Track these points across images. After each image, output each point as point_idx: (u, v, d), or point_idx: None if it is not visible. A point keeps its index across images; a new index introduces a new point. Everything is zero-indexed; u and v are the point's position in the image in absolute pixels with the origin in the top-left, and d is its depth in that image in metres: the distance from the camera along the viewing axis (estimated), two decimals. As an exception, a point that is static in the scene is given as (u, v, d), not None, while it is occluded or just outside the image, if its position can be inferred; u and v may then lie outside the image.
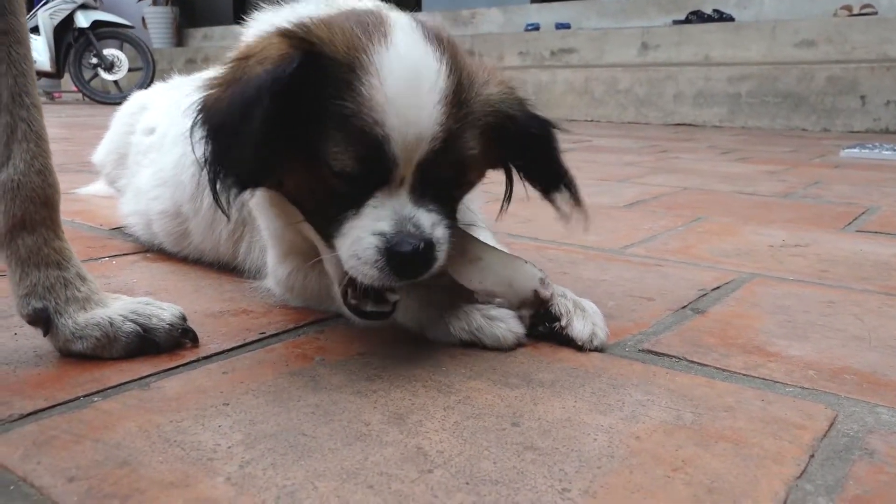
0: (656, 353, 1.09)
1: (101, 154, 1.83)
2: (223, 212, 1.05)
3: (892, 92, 5.55)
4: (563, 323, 1.10)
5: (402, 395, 0.93)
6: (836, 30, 6.04)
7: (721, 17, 6.93)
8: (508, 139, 1.07)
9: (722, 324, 1.23)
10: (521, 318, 1.11)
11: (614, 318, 1.22)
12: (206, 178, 0.99)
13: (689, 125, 6.39)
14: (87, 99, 8.35)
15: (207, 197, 1.42)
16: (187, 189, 1.46)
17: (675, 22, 7.05)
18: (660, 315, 1.27)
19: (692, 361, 1.05)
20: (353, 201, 0.97)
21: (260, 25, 1.15)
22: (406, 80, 0.94)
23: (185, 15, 10.56)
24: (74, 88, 8.53)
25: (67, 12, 7.85)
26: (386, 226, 0.95)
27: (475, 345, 1.09)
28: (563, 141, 1.14)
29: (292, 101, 0.95)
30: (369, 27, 0.98)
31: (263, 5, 1.25)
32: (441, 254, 0.98)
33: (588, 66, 7.07)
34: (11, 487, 0.71)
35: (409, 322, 1.15)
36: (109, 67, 8.14)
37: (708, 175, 3.21)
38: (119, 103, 1.90)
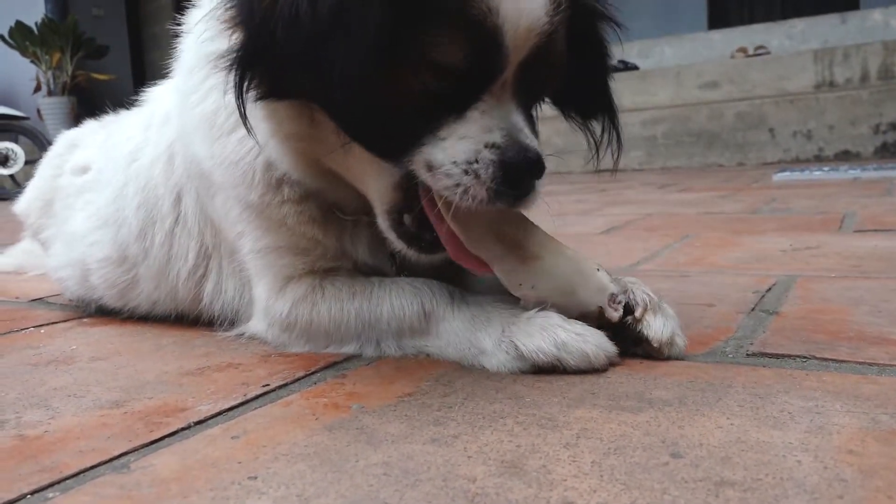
0: (773, 356, 0.88)
1: (23, 202, 1.50)
2: (247, 129, 0.83)
3: (797, 123, 5.80)
4: (638, 314, 0.87)
5: (497, 437, 0.67)
6: (735, 70, 6.31)
7: (626, 66, 7.14)
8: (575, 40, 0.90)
9: (811, 321, 1.04)
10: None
11: (687, 326, 1.00)
12: (233, 80, 0.79)
13: (611, 170, 6.45)
14: (-22, 196, 7.68)
15: (159, 233, 1.16)
16: (132, 226, 1.18)
17: (584, 74, 7.22)
18: (734, 319, 1.07)
19: (825, 359, 0.85)
20: (455, 104, 0.80)
21: None
22: None
23: (83, 104, 10.01)
24: (-36, 186, 7.84)
25: (-44, 107, 7.28)
26: (498, 137, 0.79)
27: (554, 369, 0.84)
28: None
29: None
30: None
31: None
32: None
33: (505, 120, 7.09)
34: None
35: (457, 351, 0.90)
36: (4, 161, 7.54)
37: (663, 203, 3.12)
38: (15, 199, 1.61)
